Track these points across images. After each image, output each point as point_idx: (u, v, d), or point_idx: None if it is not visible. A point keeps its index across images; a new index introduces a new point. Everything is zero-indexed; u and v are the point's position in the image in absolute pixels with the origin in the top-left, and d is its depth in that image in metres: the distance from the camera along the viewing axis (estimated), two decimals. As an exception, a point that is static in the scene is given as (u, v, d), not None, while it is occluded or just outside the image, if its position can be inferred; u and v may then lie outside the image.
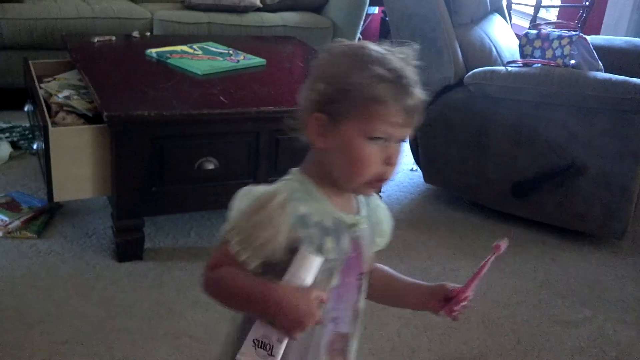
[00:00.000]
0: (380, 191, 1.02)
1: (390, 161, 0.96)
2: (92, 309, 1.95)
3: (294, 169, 1.03)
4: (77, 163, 2.11)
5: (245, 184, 2.48)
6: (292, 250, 0.94)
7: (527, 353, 1.95)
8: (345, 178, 0.98)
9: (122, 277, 2.12)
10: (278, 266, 0.95)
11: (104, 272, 2.13)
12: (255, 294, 0.93)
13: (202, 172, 2.19)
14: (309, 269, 0.93)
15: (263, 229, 0.93)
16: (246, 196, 0.98)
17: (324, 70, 0.98)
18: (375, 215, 1.09)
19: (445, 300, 1.06)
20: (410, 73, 0.95)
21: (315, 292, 0.92)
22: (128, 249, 2.19)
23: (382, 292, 1.13)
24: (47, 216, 2.39)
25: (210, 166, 2.19)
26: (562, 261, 2.50)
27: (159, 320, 1.93)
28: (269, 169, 2.30)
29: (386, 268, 1.16)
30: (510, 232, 2.65)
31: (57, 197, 2.14)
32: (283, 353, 0.94)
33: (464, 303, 1.03)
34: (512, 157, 2.64)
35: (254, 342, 0.94)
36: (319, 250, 0.96)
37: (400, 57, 0.96)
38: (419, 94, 0.95)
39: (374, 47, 0.97)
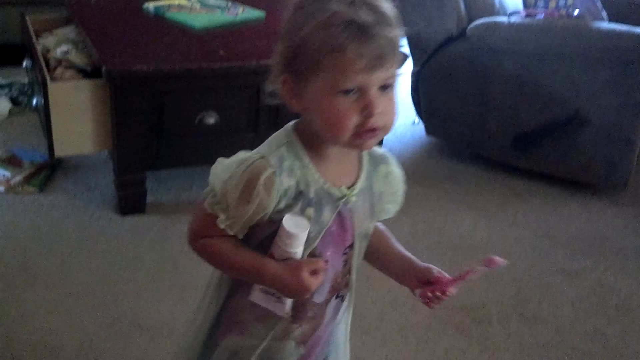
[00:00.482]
0: (379, 142, 0.96)
1: (368, 112, 0.87)
2: (96, 262, 1.96)
3: (289, 125, 0.97)
4: (77, 118, 2.11)
5: (246, 138, 2.48)
6: (275, 221, 0.92)
7: (527, 302, 1.96)
8: (329, 137, 0.91)
9: (125, 230, 2.13)
10: (259, 228, 0.95)
11: (107, 225, 2.14)
12: (249, 271, 0.95)
13: (202, 126, 2.18)
14: (295, 242, 0.91)
15: (251, 206, 0.91)
16: (227, 167, 0.94)
17: (283, 28, 0.91)
18: (383, 184, 1.03)
19: (425, 283, 1.01)
20: (366, 7, 0.84)
21: (306, 267, 0.91)
22: (130, 202, 2.20)
23: (372, 253, 1.08)
24: (49, 171, 2.39)
25: (211, 120, 2.18)
26: (563, 212, 2.51)
27: (163, 272, 1.94)
28: (269, 123, 2.29)
29: (385, 233, 1.10)
30: (514, 186, 2.65)
31: (58, 152, 2.14)
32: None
33: (441, 295, 0.98)
34: (515, 109, 2.63)
35: (261, 289, 0.96)
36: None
37: None
38: (383, 31, 0.84)
39: None
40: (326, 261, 0.96)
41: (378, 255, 1.08)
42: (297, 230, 0.90)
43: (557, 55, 2.51)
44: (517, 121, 2.63)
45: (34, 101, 2.47)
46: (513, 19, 2.59)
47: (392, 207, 1.07)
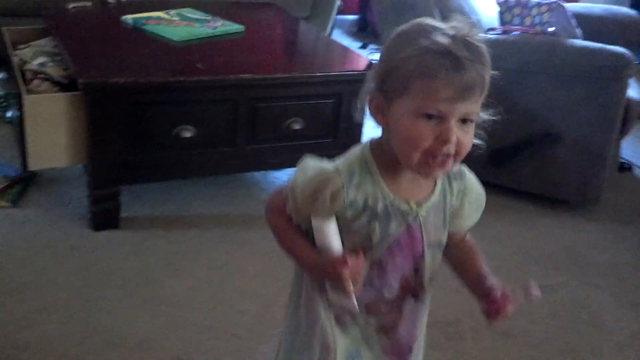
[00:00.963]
0: (448, 170, 1.00)
1: (444, 138, 0.93)
2: (69, 278, 1.95)
3: (367, 142, 1.06)
4: (52, 131, 2.09)
5: (224, 152, 2.48)
6: (341, 227, 1.03)
7: (501, 318, 1.97)
8: (401, 157, 0.98)
9: (98, 246, 2.11)
10: None
11: (80, 241, 2.12)
12: (296, 254, 1.08)
13: (179, 140, 2.18)
14: (328, 236, 1.01)
15: (313, 210, 1.02)
16: (306, 171, 1.03)
17: (383, 50, 1.00)
18: (456, 199, 1.10)
19: (490, 301, 1.07)
20: (463, 44, 0.91)
21: (340, 260, 0.99)
22: (104, 217, 2.18)
23: (457, 265, 1.17)
24: (23, 185, 2.37)
25: (188, 134, 2.18)
26: (538, 227, 2.53)
27: (136, 288, 1.93)
28: (247, 137, 2.29)
29: (473, 248, 1.18)
30: (488, 202, 2.67)
31: (33, 165, 2.12)
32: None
33: (498, 314, 1.05)
34: (490, 126, 2.65)
35: (330, 287, 1.05)
36: (366, 231, 1.03)
37: (456, 29, 0.93)
38: (475, 67, 0.91)
39: (430, 22, 0.96)
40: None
41: (462, 267, 1.17)
42: (320, 223, 1.01)
43: (532, 72, 2.54)
44: (493, 137, 2.64)
45: (9, 113, 2.45)
46: (489, 36, 2.62)
47: (467, 223, 1.15)
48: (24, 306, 1.81)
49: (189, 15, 2.75)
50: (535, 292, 0.99)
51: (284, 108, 2.32)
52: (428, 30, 0.93)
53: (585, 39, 2.69)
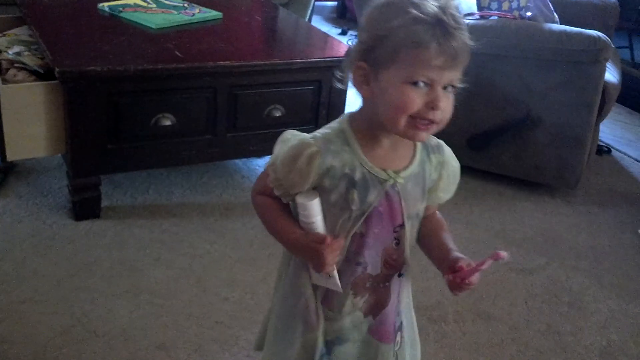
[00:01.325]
0: (431, 134, 1.03)
1: (433, 104, 0.96)
2: (50, 268, 1.93)
3: (345, 115, 1.09)
4: (30, 121, 2.07)
5: (204, 141, 2.47)
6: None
7: (482, 301, 2.00)
8: (389, 122, 1.00)
9: (80, 236, 2.10)
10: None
11: (61, 231, 2.11)
12: (279, 232, 1.08)
13: (159, 128, 2.16)
14: (311, 215, 1.02)
15: (292, 177, 1.03)
16: (286, 142, 1.06)
17: (367, 19, 1.01)
18: (436, 172, 1.12)
19: (454, 272, 1.06)
20: (450, 15, 0.94)
21: (321, 241, 1.00)
22: (85, 207, 2.17)
23: (423, 239, 1.17)
24: (1, 176, 2.34)
25: (167, 122, 2.16)
26: (517, 211, 2.56)
27: (119, 278, 1.92)
28: (227, 125, 2.28)
29: (440, 222, 1.20)
30: (468, 186, 2.69)
31: (11, 156, 2.10)
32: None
33: (461, 283, 1.04)
34: (469, 110, 2.66)
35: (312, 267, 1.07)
36: (345, 200, 1.04)
37: (439, 1, 0.96)
38: (461, 36, 0.94)
39: None
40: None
41: (429, 240, 1.17)
42: (304, 200, 1.02)
43: (510, 57, 2.56)
44: (472, 122, 2.67)
45: (-15, 103, 2.41)
46: (467, 20, 2.62)
47: (443, 196, 1.16)
48: (5, 297, 1.80)
49: (166, 2, 2.73)
50: (503, 254, 0.99)
51: (264, 95, 2.32)
52: (415, 1, 0.96)
53: (562, 23, 2.70)
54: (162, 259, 2.02)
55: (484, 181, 2.72)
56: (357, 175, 1.04)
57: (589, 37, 2.44)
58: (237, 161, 2.63)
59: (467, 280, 1.02)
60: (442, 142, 1.15)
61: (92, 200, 2.18)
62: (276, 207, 1.09)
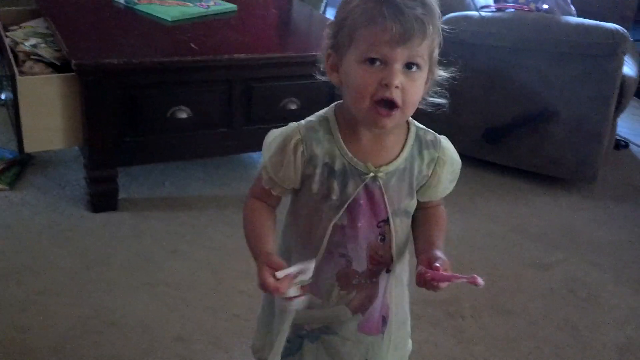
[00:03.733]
0: (397, 121, 1.00)
1: (386, 81, 0.94)
2: (67, 260, 1.94)
3: (333, 104, 1.08)
4: (47, 113, 2.07)
5: (219, 133, 2.47)
6: (305, 185, 1.06)
7: (499, 295, 1.99)
8: (353, 108, 0.99)
9: (97, 227, 2.10)
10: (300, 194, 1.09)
11: (78, 223, 2.12)
12: (249, 242, 1.07)
13: (174, 121, 2.16)
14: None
15: (281, 168, 1.05)
16: (271, 142, 1.06)
17: (337, 8, 1.01)
18: (428, 168, 1.09)
19: (428, 266, 1.04)
20: None
21: (268, 266, 0.97)
22: (102, 199, 2.17)
23: (415, 226, 1.15)
24: (19, 168, 2.35)
25: (183, 115, 2.16)
26: (535, 205, 2.54)
27: (136, 270, 1.93)
28: (243, 117, 2.28)
29: (438, 217, 1.16)
30: (485, 180, 2.68)
31: (28, 148, 2.10)
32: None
33: (430, 282, 1.01)
34: (485, 103, 2.65)
35: None
36: (326, 189, 1.04)
37: None
38: (412, 12, 0.92)
39: None
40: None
41: (418, 230, 1.14)
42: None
43: (527, 50, 2.54)
44: (488, 115, 2.65)
45: (3, 96, 2.42)
46: (484, 13, 2.61)
47: (439, 192, 1.13)
48: (23, 289, 1.80)
49: (182, -6, 2.72)
50: (480, 281, 0.97)
51: (279, 88, 2.31)
52: None
53: (579, 16, 2.68)
54: (178, 251, 2.03)
55: (500, 175, 2.70)
56: (337, 165, 1.03)
57: (607, 30, 2.41)
58: (252, 154, 2.63)
59: (435, 283, 1.00)
60: (441, 137, 1.13)
61: (109, 192, 2.18)
62: (263, 214, 1.09)
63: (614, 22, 2.47)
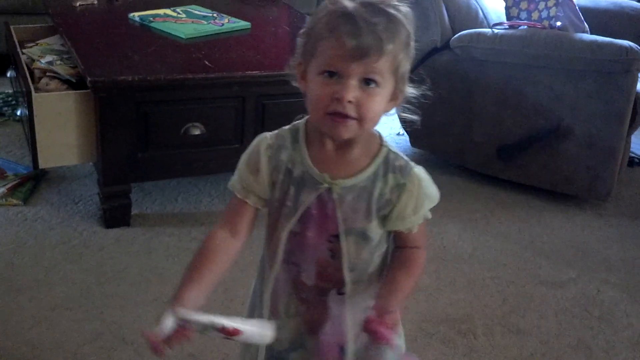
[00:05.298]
0: (353, 132, 0.99)
1: (336, 95, 0.95)
2: (80, 275, 1.95)
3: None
4: (61, 129, 2.09)
5: (232, 150, 2.48)
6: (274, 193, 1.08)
7: (511, 313, 1.97)
8: (312, 118, 1.03)
9: (110, 243, 2.12)
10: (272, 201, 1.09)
11: (91, 238, 2.13)
12: (188, 267, 1.08)
13: (188, 137, 2.18)
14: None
15: (253, 173, 1.08)
16: (247, 149, 1.11)
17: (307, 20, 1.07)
18: (391, 194, 1.05)
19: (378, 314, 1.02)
20: (364, 10, 0.94)
21: (155, 336, 0.98)
22: (115, 215, 2.19)
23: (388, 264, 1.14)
24: (33, 183, 2.37)
25: (197, 131, 2.18)
26: (547, 223, 2.53)
27: (148, 285, 1.94)
28: (255, 134, 2.28)
29: (405, 261, 1.12)
30: (497, 197, 2.67)
31: (43, 163, 2.13)
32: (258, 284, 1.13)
33: (374, 335, 0.99)
34: (498, 120, 2.65)
35: None
36: (284, 193, 1.06)
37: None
38: (374, 28, 0.93)
39: None
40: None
41: (388, 270, 1.13)
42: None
43: (540, 66, 2.53)
44: (501, 132, 2.65)
45: (19, 112, 2.45)
46: (496, 30, 2.61)
47: (406, 222, 1.08)
48: (35, 304, 1.81)
49: (196, 12, 2.75)
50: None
51: (292, 105, 2.30)
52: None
53: (592, 33, 2.68)
54: (190, 267, 2.03)
55: (512, 192, 2.69)
56: (296, 172, 1.05)
57: (621, 47, 2.41)
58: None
59: (379, 334, 0.98)
60: (414, 166, 1.08)
61: (123, 208, 2.20)
62: (217, 251, 1.08)
63: (628, 39, 2.46)
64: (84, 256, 2.04)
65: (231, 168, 2.36)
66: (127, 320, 1.79)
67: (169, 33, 2.50)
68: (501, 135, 2.65)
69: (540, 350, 1.84)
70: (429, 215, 1.10)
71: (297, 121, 1.09)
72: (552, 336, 1.90)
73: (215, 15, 2.74)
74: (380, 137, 1.09)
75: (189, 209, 2.36)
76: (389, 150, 1.08)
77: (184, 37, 2.46)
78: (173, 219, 2.29)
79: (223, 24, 2.64)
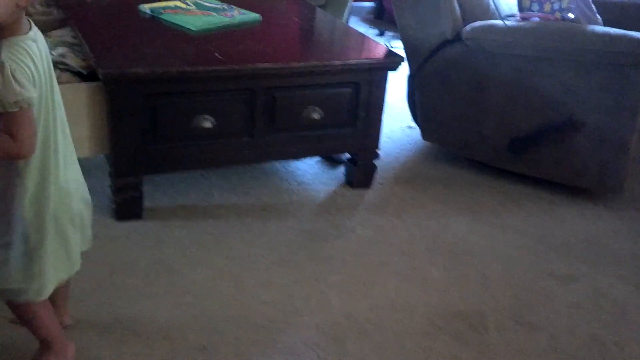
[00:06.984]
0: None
1: None
2: (92, 268, 1.95)
3: None
4: (73, 122, 2.07)
5: (242, 142, 2.48)
6: None
7: (523, 308, 1.97)
8: None
9: (121, 235, 2.12)
10: None
11: (103, 230, 2.13)
12: None
13: (198, 130, 2.18)
14: None
15: None
16: None
17: None
18: None
19: None
20: None
21: None
22: (127, 207, 2.19)
23: None
24: (44, 175, 2.37)
25: (207, 124, 2.18)
26: (558, 217, 2.51)
27: (159, 278, 1.94)
28: (266, 126, 2.29)
29: None
30: (508, 191, 2.66)
31: (54, 156, 2.12)
32: None
33: None
34: (509, 113, 2.63)
35: None
36: None
37: None
38: None
39: None
40: None
41: None
42: None
43: (552, 59, 2.52)
44: (512, 125, 2.64)
45: (29, 104, 2.45)
46: (508, 22, 2.60)
47: None
48: (47, 296, 1.82)
49: (206, 4, 2.74)
50: None
51: (302, 97, 2.32)
52: None
53: (605, 25, 2.66)
54: (200, 260, 2.04)
55: (523, 185, 2.68)
56: None
57: (633, 39, 2.39)
58: (275, 163, 2.64)
59: None
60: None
61: (134, 200, 2.20)
62: None
63: (640, 32, 2.44)
64: (95, 249, 2.02)
65: (241, 160, 2.39)
66: (139, 312, 1.79)
67: (180, 25, 2.49)
68: (512, 129, 2.64)
69: (553, 345, 1.83)
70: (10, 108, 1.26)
71: None
72: (564, 331, 1.89)
73: (225, 7, 2.73)
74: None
75: (200, 202, 2.36)
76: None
77: (194, 29, 2.46)
78: (184, 212, 2.29)
79: (233, 16, 2.64)
